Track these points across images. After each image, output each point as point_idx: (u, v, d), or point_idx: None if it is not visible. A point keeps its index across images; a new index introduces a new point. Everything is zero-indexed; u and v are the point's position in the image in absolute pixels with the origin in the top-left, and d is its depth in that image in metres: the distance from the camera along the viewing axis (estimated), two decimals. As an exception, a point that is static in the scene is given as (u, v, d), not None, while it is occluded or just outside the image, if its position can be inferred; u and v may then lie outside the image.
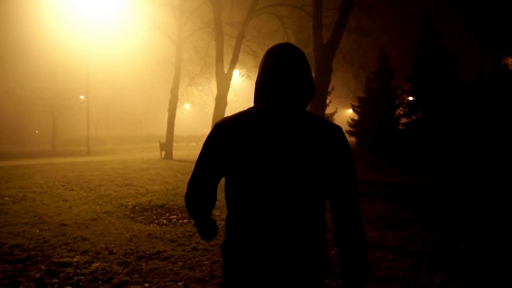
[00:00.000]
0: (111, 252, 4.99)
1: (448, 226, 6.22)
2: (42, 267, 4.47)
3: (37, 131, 56.88)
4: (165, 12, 21.61)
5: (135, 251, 5.03)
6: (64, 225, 6.47)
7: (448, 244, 5.19)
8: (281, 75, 1.52)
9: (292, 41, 23.63)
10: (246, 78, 24.24)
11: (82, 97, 36.68)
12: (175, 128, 24.16)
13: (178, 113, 42.53)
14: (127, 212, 7.56)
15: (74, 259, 4.73)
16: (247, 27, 18.83)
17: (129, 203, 8.45)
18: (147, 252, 5.01)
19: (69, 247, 5.23)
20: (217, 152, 1.54)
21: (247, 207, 1.49)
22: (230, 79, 17.65)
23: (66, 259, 4.74)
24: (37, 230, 6.12)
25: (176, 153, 26.16)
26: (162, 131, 26.25)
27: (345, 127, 31.75)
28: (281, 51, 1.56)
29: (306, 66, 1.57)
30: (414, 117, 24.85)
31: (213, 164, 1.56)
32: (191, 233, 5.87)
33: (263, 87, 1.55)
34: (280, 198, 1.45)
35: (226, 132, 1.52)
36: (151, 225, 6.55)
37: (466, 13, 26.10)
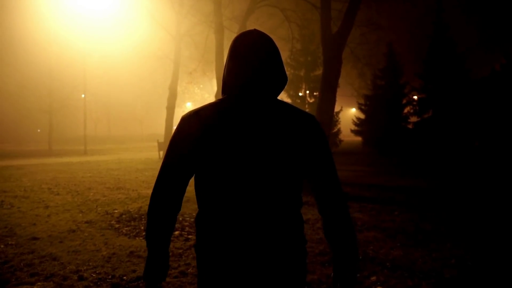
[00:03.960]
0: (80, 278, 4.09)
1: (485, 243, 5.28)
2: (-10, 299, 3.58)
3: (39, 130, 56.13)
4: (164, 5, 20.71)
5: (110, 276, 4.12)
6: (35, 238, 5.58)
7: (492, 270, 4.26)
8: (251, 64, 1.45)
9: (296, 36, 22.71)
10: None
11: (83, 95, 35.71)
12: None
13: (179, 111, 41.83)
14: (112, 222, 6.66)
15: (34, 288, 3.84)
16: (248, 21, 17.91)
17: (115, 211, 7.54)
18: (124, 277, 4.10)
19: (32, 269, 4.33)
20: (187, 148, 1.44)
21: (221, 202, 1.42)
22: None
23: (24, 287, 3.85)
24: (2, 246, 5.23)
25: (176, 153, 25.27)
26: (163, 130, 25.39)
27: (350, 126, 30.79)
28: (250, 39, 1.49)
29: (277, 54, 1.51)
30: (425, 116, 23.80)
31: (184, 161, 1.45)
32: (181, 251, 4.97)
33: (231, 78, 1.48)
34: (256, 191, 1.40)
35: (194, 126, 1.43)
36: (136, 238, 5.65)
37: (476, 6, 25.17)
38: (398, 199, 8.72)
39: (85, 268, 4.38)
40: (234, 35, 18.35)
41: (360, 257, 4.68)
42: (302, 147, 1.44)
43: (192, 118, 1.45)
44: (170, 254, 4.82)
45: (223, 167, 1.40)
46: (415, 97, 25.84)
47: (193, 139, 1.42)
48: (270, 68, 1.47)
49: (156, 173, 12.24)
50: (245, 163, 1.40)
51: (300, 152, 1.44)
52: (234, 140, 1.40)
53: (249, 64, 1.45)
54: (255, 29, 1.54)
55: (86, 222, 6.64)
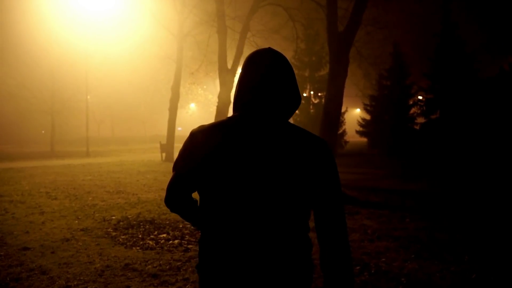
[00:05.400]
0: (70, 295, 3.77)
1: (505, 253, 4.92)
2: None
3: (43, 131, 55.99)
4: (166, 5, 20.41)
5: (101, 294, 3.80)
6: (26, 249, 5.26)
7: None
8: (264, 84, 1.41)
9: (301, 35, 22.35)
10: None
11: (88, 97, 35.21)
12: (180, 128, 22.95)
13: (182, 113, 41.47)
14: (109, 230, 6.34)
15: (18, 307, 3.52)
16: (252, 20, 17.58)
17: (113, 217, 7.23)
18: (117, 295, 3.78)
19: (19, 285, 4.03)
20: (192, 164, 1.41)
21: (225, 225, 1.37)
22: (234, 75, 16.36)
23: (7, 307, 3.53)
24: (-10, 257, 4.92)
25: (179, 155, 24.93)
26: (166, 131, 25.05)
27: (355, 127, 30.42)
28: (264, 59, 1.45)
29: (291, 74, 1.47)
30: (432, 117, 23.35)
31: (189, 175, 1.44)
32: (179, 264, 4.63)
33: (243, 97, 1.45)
34: (260, 216, 1.34)
35: (202, 143, 1.41)
36: (133, 248, 5.32)
37: (483, 7, 24.73)
38: (408, 204, 8.36)
39: (75, 283, 4.06)
40: (237, 35, 18.09)
41: (373, 271, 4.34)
42: (310, 173, 1.37)
43: (200, 135, 1.44)
44: (168, 267, 4.53)
45: (227, 189, 1.36)
46: (420, 97, 25.42)
47: (198, 156, 1.40)
48: (281, 89, 1.43)
49: (157, 175, 11.95)
50: (250, 186, 1.34)
51: (307, 178, 1.37)
52: (240, 162, 1.35)
53: (259, 84, 1.42)
54: (269, 48, 1.50)
55: (82, 229, 6.33)
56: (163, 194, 9.09)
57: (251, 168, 1.35)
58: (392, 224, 6.53)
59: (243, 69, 1.50)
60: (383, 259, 4.74)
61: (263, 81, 1.42)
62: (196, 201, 1.55)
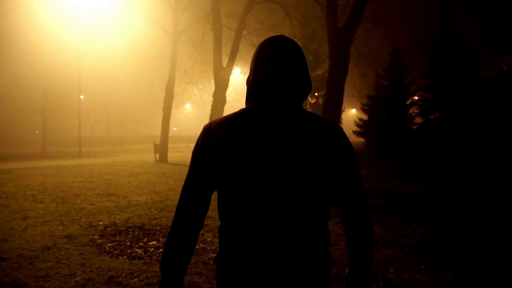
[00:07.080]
0: (43, 315, 3.34)
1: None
2: None
3: (37, 131, 55.35)
4: (160, 2, 19.96)
5: (79, 314, 3.38)
6: (1, 259, 4.81)
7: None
8: (276, 71, 1.39)
9: (297, 34, 21.98)
10: (249, 75, 22.49)
11: (82, 97, 34.46)
12: (176, 128, 22.51)
13: (178, 112, 41.00)
14: (95, 236, 5.91)
15: (-17, 330, 3.09)
16: (248, 18, 17.19)
17: (100, 223, 6.79)
18: (96, 315, 3.35)
19: (-12, 302, 3.59)
20: (208, 160, 1.38)
21: (243, 216, 1.36)
22: (230, 73, 15.96)
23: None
24: (-40, 269, 4.48)
25: (173, 155, 24.50)
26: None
27: (352, 127, 30.10)
28: (275, 45, 1.43)
29: (303, 60, 1.44)
30: (431, 116, 23.02)
31: (206, 174, 1.40)
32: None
33: (257, 86, 1.42)
34: (279, 206, 1.33)
35: (216, 136, 1.38)
36: (119, 258, 4.89)
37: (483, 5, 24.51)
38: (412, 207, 7.97)
39: (51, 300, 3.63)
40: (232, 33, 17.69)
41: (381, 284, 3.94)
42: (329, 160, 1.36)
43: (212, 129, 1.41)
44: (156, 280, 4.10)
45: (245, 179, 1.34)
46: (416, 98, 25.14)
47: (214, 150, 1.37)
48: (294, 76, 1.40)
49: (150, 177, 11.45)
50: (268, 175, 1.33)
51: (327, 165, 1.36)
52: (257, 151, 1.33)
53: (273, 71, 1.39)
54: (281, 35, 1.48)
55: (65, 236, 5.89)
56: (156, 197, 8.64)
57: (269, 157, 1.33)
58: (398, 229, 6.14)
59: (255, 56, 1.46)
60: (391, 270, 4.35)
61: (277, 68, 1.38)
62: (202, 225, 1.47)
